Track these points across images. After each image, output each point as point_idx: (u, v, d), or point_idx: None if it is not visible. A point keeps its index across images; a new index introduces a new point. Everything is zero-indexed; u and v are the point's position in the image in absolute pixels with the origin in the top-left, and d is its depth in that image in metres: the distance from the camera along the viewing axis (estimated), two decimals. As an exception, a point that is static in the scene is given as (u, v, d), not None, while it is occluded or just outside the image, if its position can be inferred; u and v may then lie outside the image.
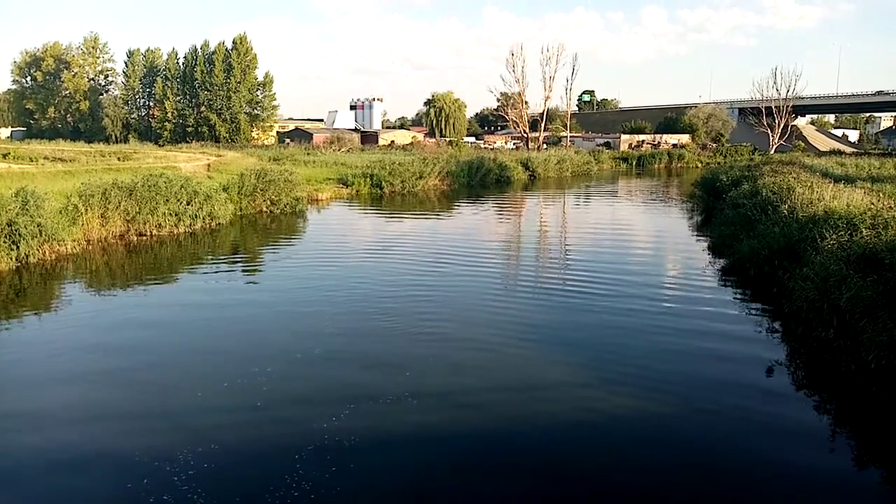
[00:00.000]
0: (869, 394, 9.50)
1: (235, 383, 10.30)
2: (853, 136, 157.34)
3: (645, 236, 28.06)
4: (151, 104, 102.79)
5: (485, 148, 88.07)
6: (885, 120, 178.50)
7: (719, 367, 11.36)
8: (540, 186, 52.56)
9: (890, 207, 15.47)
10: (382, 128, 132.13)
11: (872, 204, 16.45)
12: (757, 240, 17.66)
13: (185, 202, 24.42)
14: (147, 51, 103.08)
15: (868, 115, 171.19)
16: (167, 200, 23.76)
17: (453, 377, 10.85)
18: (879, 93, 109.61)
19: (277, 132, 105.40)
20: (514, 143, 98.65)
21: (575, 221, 33.48)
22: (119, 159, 44.37)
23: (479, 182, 50.03)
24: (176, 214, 23.89)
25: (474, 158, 54.14)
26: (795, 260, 14.63)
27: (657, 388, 10.32)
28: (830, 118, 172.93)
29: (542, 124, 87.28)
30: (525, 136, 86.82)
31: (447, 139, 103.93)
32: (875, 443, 8.88)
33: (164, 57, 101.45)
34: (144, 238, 22.82)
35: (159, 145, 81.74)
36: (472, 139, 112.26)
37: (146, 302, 15.96)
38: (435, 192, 44.02)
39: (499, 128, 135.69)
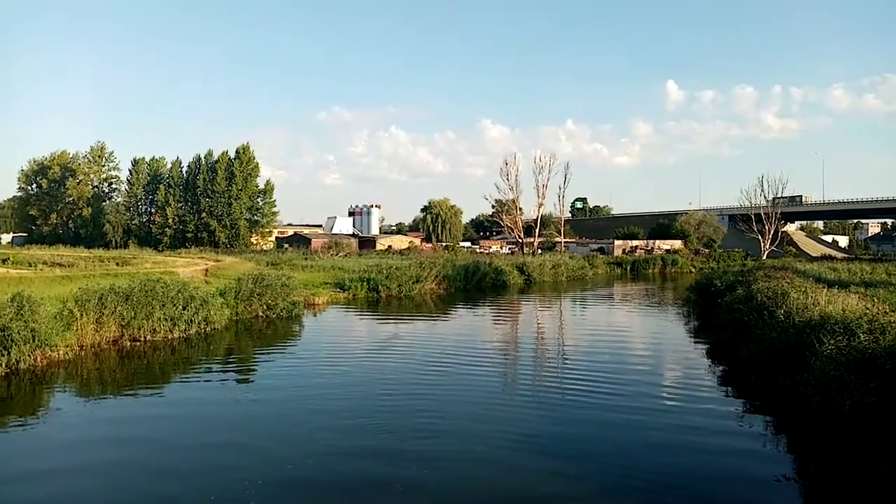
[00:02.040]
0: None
1: (223, 497, 9.89)
2: (843, 241, 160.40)
3: (643, 341, 27.90)
4: (153, 210, 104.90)
5: (481, 252, 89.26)
6: (873, 226, 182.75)
7: (724, 479, 11.00)
8: (536, 290, 52.77)
9: (885, 312, 15.50)
10: (380, 233, 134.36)
11: (868, 309, 16.48)
12: (755, 345, 17.57)
13: (181, 307, 24.35)
14: (152, 159, 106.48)
15: (856, 221, 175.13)
16: (163, 305, 23.70)
17: (449, 492, 10.44)
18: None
19: (276, 237, 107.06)
20: (509, 248, 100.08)
21: (572, 325, 33.38)
22: (118, 264, 44.65)
23: (476, 286, 50.31)
24: (171, 319, 23.76)
25: (470, 262, 54.70)
26: (795, 365, 14.50)
27: (663, 501, 9.95)
28: (819, 224, 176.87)
29: (537, 230, 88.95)
30: (520, 241, 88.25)
31: (444, 244, 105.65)
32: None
33: (168, 165, 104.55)
34: (138, 343, 22.59)
35: (159, 250, 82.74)
36: (468, 244, 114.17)
37: (135, 411, 15.57)
38: (432, 295, 44.14)
39: (494, 233, 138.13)
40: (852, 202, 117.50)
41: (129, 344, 22.44)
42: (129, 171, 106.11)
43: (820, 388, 11.99)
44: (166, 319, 23.61)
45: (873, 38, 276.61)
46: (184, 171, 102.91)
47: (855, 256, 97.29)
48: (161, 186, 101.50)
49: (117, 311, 22.45)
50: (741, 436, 13.42)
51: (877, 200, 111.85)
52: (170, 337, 23.56)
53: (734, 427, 14.00)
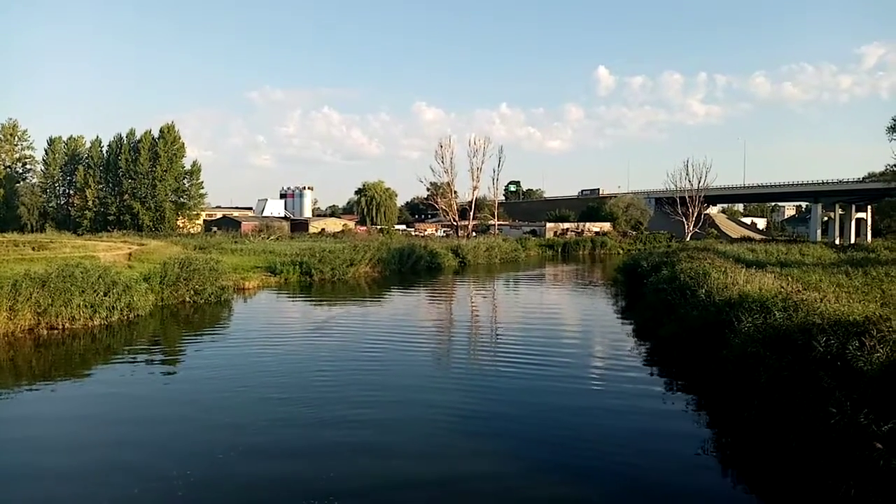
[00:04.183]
0: (795, 473, 9.66)
1: (149, 488, 9.58)
2: (761, 223, 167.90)
3: (573, 321, 28.54)
4: (72, 192, 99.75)
5: (416, 235, 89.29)
6: (789, 209, 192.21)
7: (650, 449, 11.41)
8: (470, 272, 53.20)
9: (798, 290, 16.32)
10: (313, 216, 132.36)
11: (782, 287, 17.31)
12: (678, 323, 18.20)
13: (101, 293, 23.33)
14: (69, 139, 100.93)
15: (773, 204, 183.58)
16: (83, 291, 22.67)
17: (383, 473, 10.42)
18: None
19: (204, 220, 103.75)
20: (444, 231, 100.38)
21: (505, 306, 33.81)
22: (34, 249, 42.31)
23: (411, 269, 50.32)
24: (91, 306, 22.75)
25: (405, 246, 54.66)
26: (715, 342, 15.12)
27: (590, 473, 10.26)
28: (740, 207, 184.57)
29: (471, 213, 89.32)
30: (455, 224, 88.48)
31: (378, 227, 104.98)
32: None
33: (88, 145, 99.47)
34: (56, 332, 21.55)
35: (78, 234, 78.82)
36: (403, 227, 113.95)
37: (52, 402, 14.88)
38: (366, 279, 43.86)
39: (429, 216, 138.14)
40: (770, 186, 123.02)
41: (45, 332, 21.40)
42: (45, 150, 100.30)
43: (738, 364, 12.54)
44: (86, 306, 22.60)
45: (791, 26, 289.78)
46: (104, 152, 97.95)
47: (772, 238, 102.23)
48: (80, 167, 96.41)
49: (33, 298, 21.37)
50: (664, 410, 13.94)
51: (793, 184, 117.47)
52: (90, 324, 22.57)
53: (658, 402, 14.52)
